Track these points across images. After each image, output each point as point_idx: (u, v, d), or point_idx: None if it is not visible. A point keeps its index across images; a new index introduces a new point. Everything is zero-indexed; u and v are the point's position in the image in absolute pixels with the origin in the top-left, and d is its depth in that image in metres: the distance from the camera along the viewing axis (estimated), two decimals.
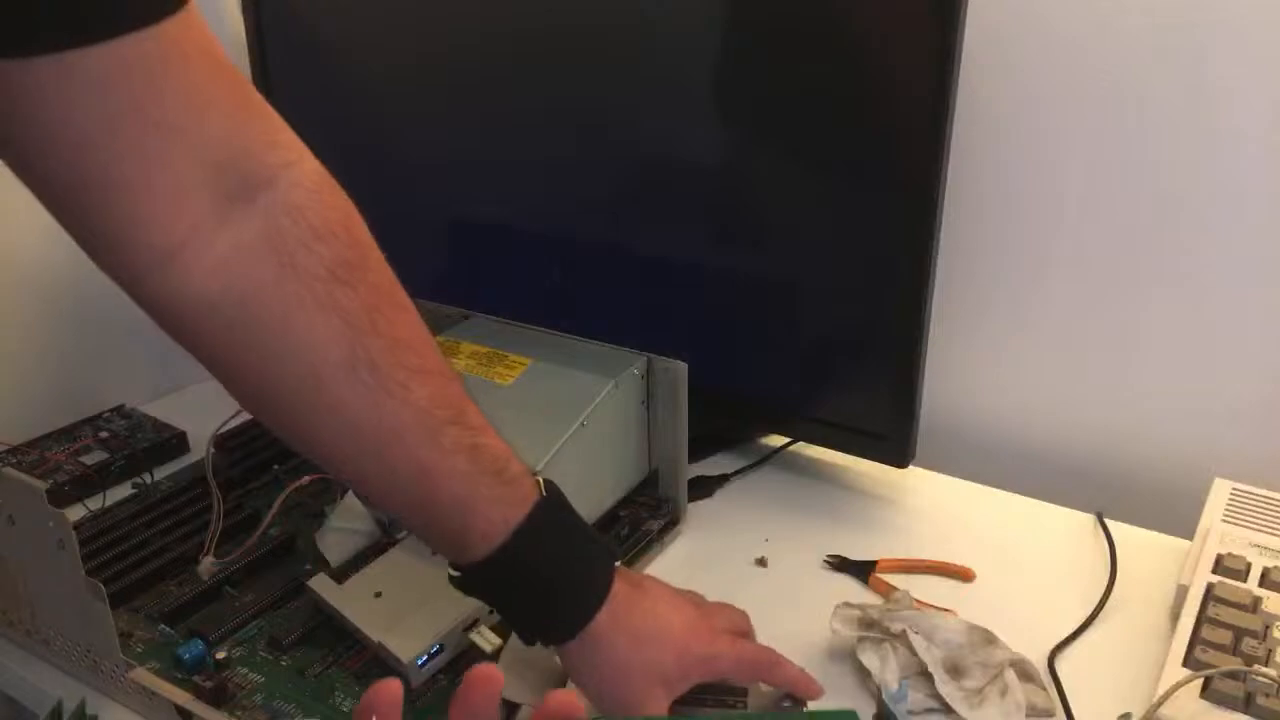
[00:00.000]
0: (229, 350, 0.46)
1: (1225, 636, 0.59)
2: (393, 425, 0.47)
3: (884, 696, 0.44)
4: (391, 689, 0.36)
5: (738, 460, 0.84)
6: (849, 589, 0.69)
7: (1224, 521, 0.69)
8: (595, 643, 0.51)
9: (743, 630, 0.59)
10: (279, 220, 0.45)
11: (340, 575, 0.66)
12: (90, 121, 0.40)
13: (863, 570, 0.70)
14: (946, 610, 0.65)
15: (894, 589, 0.67)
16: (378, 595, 0.63)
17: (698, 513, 0.77)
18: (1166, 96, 0.72)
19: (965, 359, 0.85)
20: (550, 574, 0.51)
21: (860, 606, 0.62)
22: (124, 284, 0.45)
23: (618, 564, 0.54)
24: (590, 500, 0.71)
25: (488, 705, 0.38)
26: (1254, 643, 0.58)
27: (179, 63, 0.41)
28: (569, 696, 0.38)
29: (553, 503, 0.51)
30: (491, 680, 0.38)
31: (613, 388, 0.69)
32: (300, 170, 0.46)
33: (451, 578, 0.52)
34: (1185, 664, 0.58)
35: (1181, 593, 0.64)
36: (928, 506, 0.79)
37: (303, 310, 0.45)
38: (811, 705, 0.56)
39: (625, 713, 0.50)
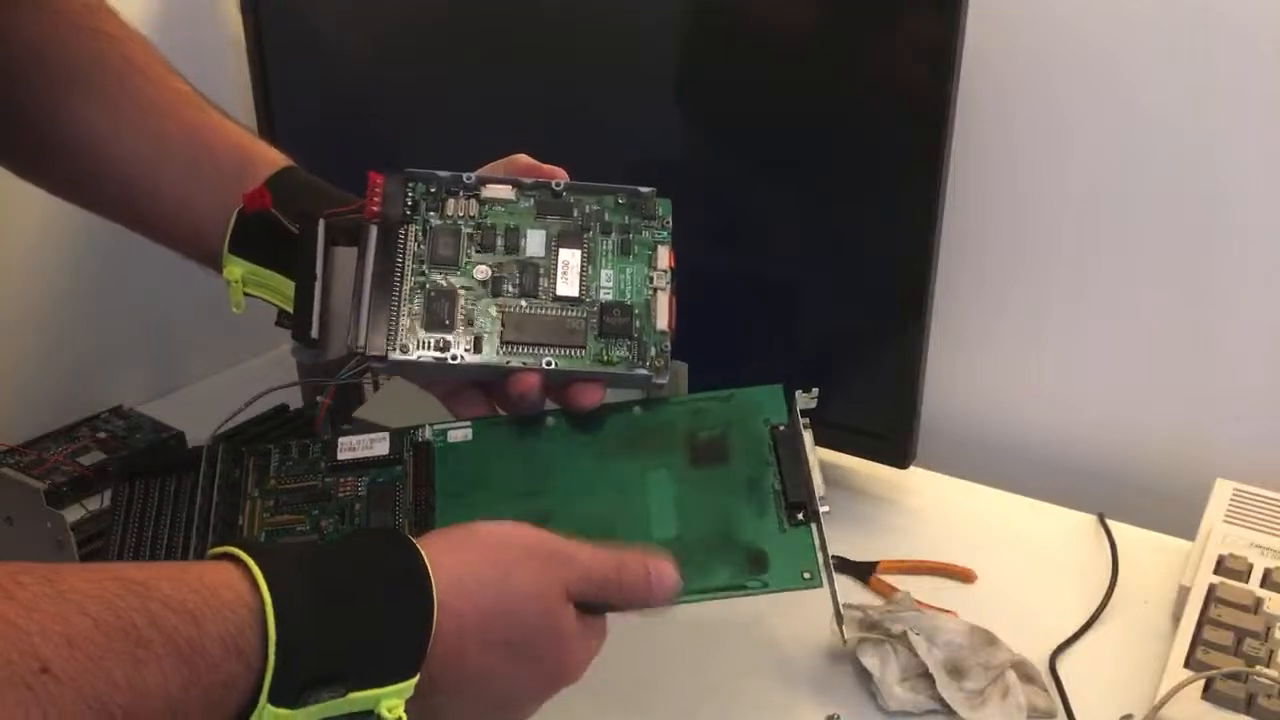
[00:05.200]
0: None
1: (1227, 638, 0.59)
2: (150, 98, 0.54)
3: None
4: None
5: None
6: (850, 590, 0.69)
7: (1225, 522, 0.69)
8: None
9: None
10: None
11: None
12: None
13: (863, 571, 0.70)
14: (947, 611, 0.64)
15: (895, 590, 0.67)
16: None
17: None
18: (1168, 98, 0.72)
19: (966, 359, 0.85)
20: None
21: (861, 608, 0.62)
22: None
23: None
24: None
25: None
26: (1255, 644, 0.58)
27: None
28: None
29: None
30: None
31: None
32: None
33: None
34: (1187, 665, 0.58)
35: (1183, 594, 0.64)
36: (928, 507, 0.79)
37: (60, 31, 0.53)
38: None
39: None
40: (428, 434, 0.51)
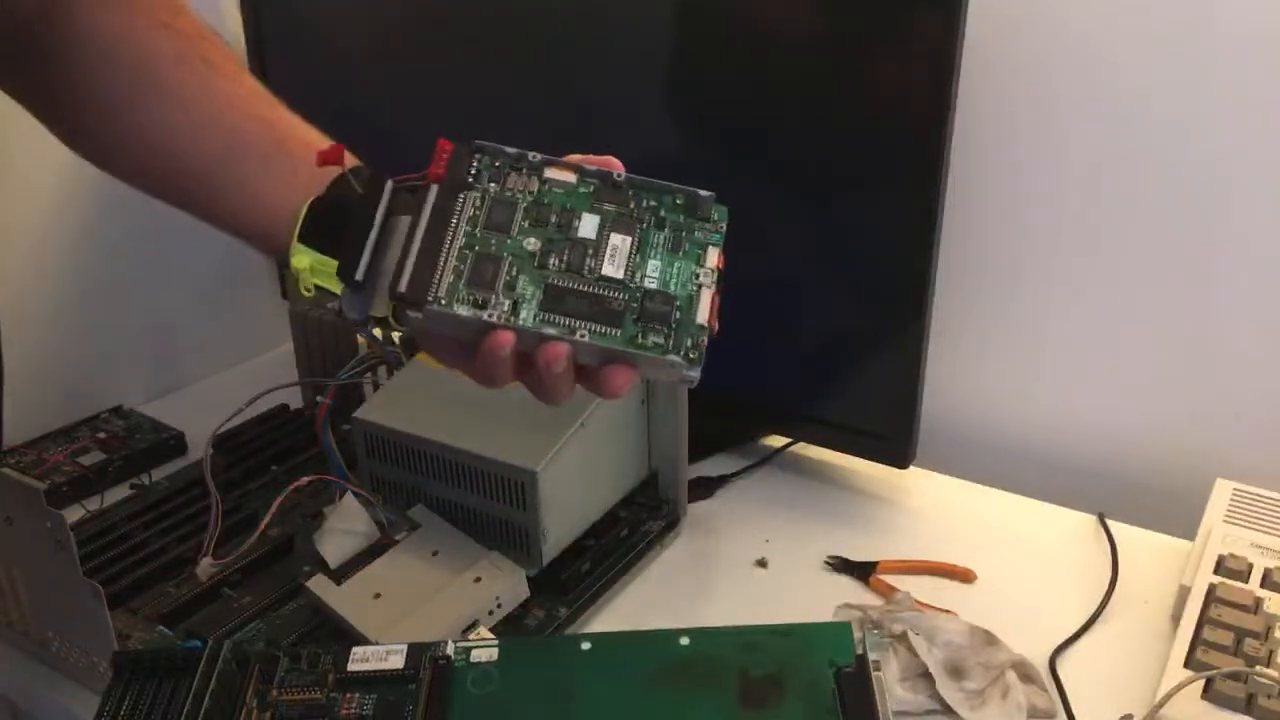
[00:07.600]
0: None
1: (1227, 637, 0.59)
2: (228, 95, 0.55)
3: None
4: None
5: (738, 461, 0.84)
6: (850, 590, 0.69)
7: (1225, 522, 0.69)
8: None
9: None
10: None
11: (339, 576, 0.65)
12: None
13: (863, 571, 0.70)
14: (947, 611, 0.64)
15: (895, 590, 0.67)
16: (376, 596, 0.63)
17: (698, 513, 0.77)
18: (1168, 99, 0.72)
19: (966, 359, 0.85)
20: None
21: (861, 608, 0.62)
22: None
23: None
24: (590, 501, 0.71)
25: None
26: (1255, 644, 0.58)
27: None
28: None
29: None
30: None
31: None
32: None
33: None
34: (1187, 665, 0.58)
35: (1183, 594, 0.64)
36: (928, 507, 0.79)
37: (139, 30, 0.54)
38: None
39: None
40: (449, 650, 0.48)
